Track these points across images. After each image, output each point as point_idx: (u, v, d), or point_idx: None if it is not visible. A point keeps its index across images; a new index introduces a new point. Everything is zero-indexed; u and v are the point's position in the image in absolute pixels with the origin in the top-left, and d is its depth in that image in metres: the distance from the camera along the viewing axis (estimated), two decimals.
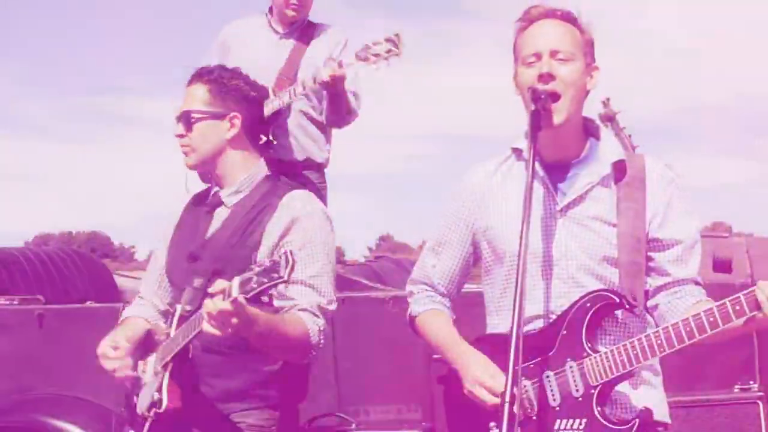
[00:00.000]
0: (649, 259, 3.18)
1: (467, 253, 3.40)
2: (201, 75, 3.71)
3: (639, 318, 3.18)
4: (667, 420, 3.24)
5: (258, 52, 5.71)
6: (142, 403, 3.45)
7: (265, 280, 2.97)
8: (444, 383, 3.40)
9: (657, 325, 3.11)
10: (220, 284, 3.04)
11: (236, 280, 3.00)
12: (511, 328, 2.75)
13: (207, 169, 3.69)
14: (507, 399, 2.67)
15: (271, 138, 5.47)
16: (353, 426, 4.66)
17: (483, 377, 3.09)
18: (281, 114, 5.56)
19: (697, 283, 3.20)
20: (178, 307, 3.52)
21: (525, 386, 3.07)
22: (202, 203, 3.75)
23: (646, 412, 3.04)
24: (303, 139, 5.78)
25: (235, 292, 2.98)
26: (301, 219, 3.50)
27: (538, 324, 3.15)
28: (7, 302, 5.30)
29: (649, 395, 3.17)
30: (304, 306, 3.43)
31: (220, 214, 3.66)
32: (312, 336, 3.41)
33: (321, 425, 4.71)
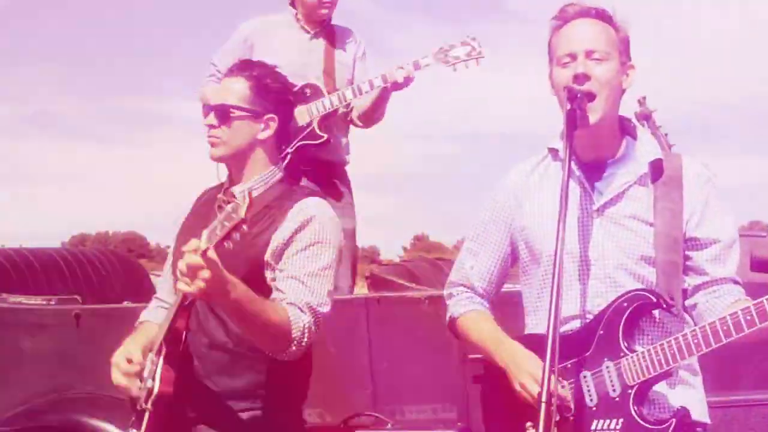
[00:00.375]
0: (687, 258, 3.17)
1: (505, 254, 3.40)
2: (243, 69, 3.66)
3: (677, 317, 3.16)
4: (706, 420, 3.21)
5: (291, 52, 5.71)
6: (141, 397, 3.36)
7: (227, 224, 2.96)
8: (480, 383, 3.40)
9: (695, 325, 3.10)
10: (192, 242, 3.01)
11: (204, 233, 2.98)
12: (548, 328, 2.75)
13: (230, 163, 3.65)
14: (544, 399, 2.67)
15: (328, 136, 5.53)
16: (389, 426, 4.66)
17: (538, 372, 3.04)
18: (336, 112, 5.59)
19: (735, 282, 3.18)
20: (176, 298, 3.42)
21: (562, 386, 3.06)
22: (214, 198, 3.71)
23: (684, 412, 3.02)
24: (342, 139, 5.82)
25: (203, 245, 2.96)
26: (314, 221, 3.47)
27: (575, 324, 3.14)
28: (45, 302, 5.34)
29: (687, 395, 3.16)
30: (292, 300, 3.36)
31: None
32: (294, 329, 3.31)
33: (356, 425, 4.72)
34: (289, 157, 5.52)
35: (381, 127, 5.86)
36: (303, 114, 5.50)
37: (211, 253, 2.97)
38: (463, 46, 5.41)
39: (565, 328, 3.08)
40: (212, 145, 3.60)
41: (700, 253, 3.17)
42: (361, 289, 6.10)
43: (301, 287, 3.38)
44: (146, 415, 3.30)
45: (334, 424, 3.70)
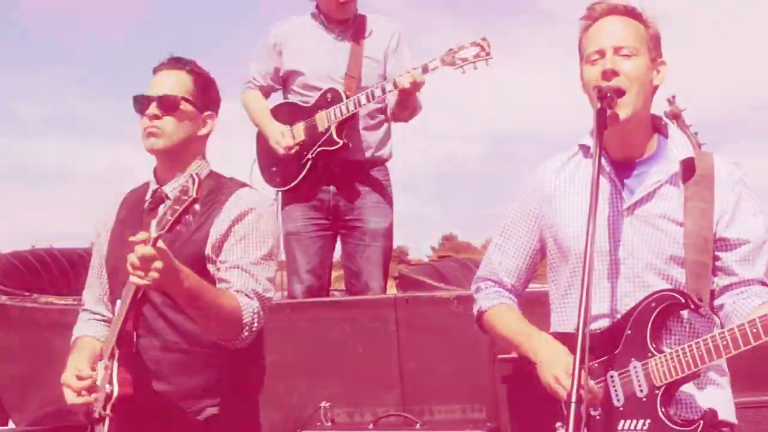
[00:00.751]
0: (715, 258, 3.15)
1: (533, 250, 3.38)
2: (185, 63, 3.63)
3: (705, 318, 3.14)
4: (733, 420, 3.20)
5: (318, 57, 5.67)
6: (98, 405, 3.32)
7: (178, 207, 2.95)
8: (509, 383, 3.38)
9: (723, 326, 3.08)
10: (141, 234, 2.99)
11: (153, 223, 2.96)
12: (577, 326, 2.73)
13: (164, 157, 3.58)
14: (573, 399, 2.66)
15: (346, 141, 5.51)
16: (418, 425, 4.65)
17: (561, 374, 3.00)
18: (354, 117, 5.55)
19: (763, 284, 3.16)
20: (118, 302, 3.40)
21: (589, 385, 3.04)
22: (141, 200, 3.66)
23: (711, 413, 2.99)
24: (371, 138, 5.76)
25: (154, 233, 2.95)
26: (249, 212, 3.45)
27: (603, 323, 3.13)
28: (75, 302, 5.36)
29: (714, 395, 3.14)
30: (239, 288, 3.37)
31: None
32: (245, 314, 3.32)
33: (385, 425, 4.71)
34: (310, 162, 5.53)
35: (408, 127, 5.82)
36: (323, 119, 5.48)
37: (161, 243, 2.96)
38: (472, 46, 5.28)
39: (592, 327, 3.06)
40: (154, 135, 3.52)
41: (730, 253, 3.15)
42: (390, 289, 6.08)
43: (246, 276, 3.40)
44: (106, 421, 3.27)
45: (258, 417, 3.64)
